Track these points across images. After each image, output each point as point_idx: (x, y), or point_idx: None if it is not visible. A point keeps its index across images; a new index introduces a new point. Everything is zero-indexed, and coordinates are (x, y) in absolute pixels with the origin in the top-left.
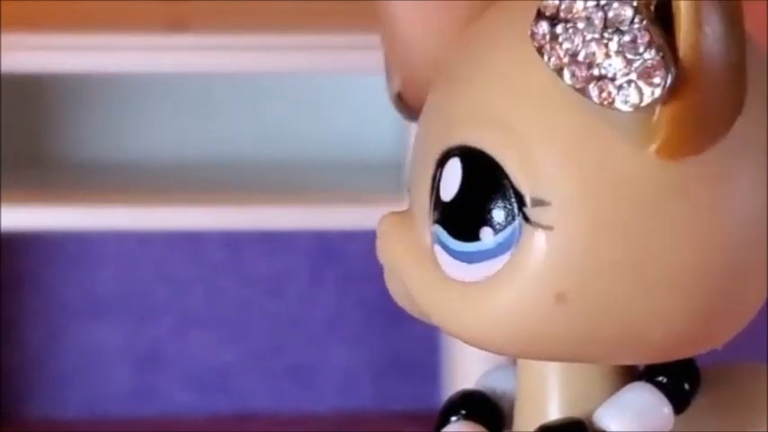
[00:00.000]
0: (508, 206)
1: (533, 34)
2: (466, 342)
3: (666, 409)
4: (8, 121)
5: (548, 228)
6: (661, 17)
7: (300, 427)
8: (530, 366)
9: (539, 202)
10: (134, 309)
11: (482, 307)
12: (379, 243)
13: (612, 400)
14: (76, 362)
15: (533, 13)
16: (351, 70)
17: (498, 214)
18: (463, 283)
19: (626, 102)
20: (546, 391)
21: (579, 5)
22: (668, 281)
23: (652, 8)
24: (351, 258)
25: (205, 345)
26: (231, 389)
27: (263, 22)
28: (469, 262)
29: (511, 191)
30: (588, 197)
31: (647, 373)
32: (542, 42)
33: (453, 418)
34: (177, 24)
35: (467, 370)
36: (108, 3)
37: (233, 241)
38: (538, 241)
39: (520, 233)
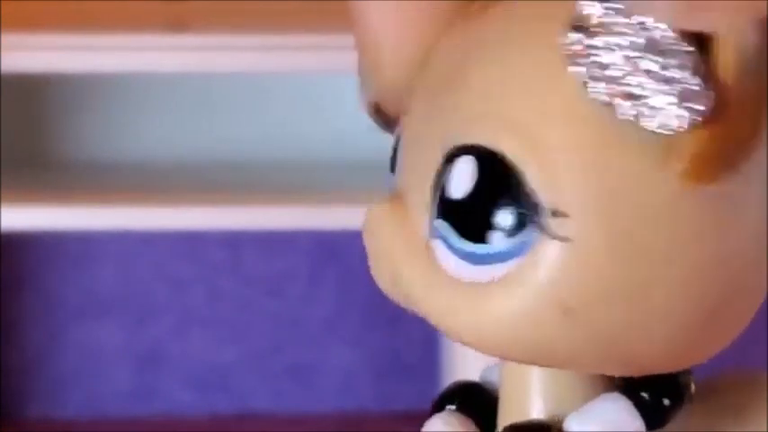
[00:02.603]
0: (523, 213)
1: (566, 43)
2: (458, 340)
3: (638, 422)
4: (8, 121)
5: (565, 239)
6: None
7: (300, 427)
8: (512, 368)
9: (558, 213)
10: (134, 309)
11: (484, 309)
12: (369, 229)
13: (585, 407)
14: (76, 362)
15: (556, 19)
16: (350, 70)
17: (512, 219)
18: (463, 282)
19: (661, 124)
20: (526, 393)
21: (619, 20)
22: (673, 300)
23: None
24: (351, 258)
25: (205, 345)
26: (231, 389)
27: (263, 22)
28: (474, 263)
29: (528, 198)
30: (608, 213)
31: (626, 385)
32: (575, 52)
33: (452, 407)
34: (177, 24)
35: (467, 370)
36: (108, 3)
37: (233, 241)
38: (553, 252)
39: (533, 241)
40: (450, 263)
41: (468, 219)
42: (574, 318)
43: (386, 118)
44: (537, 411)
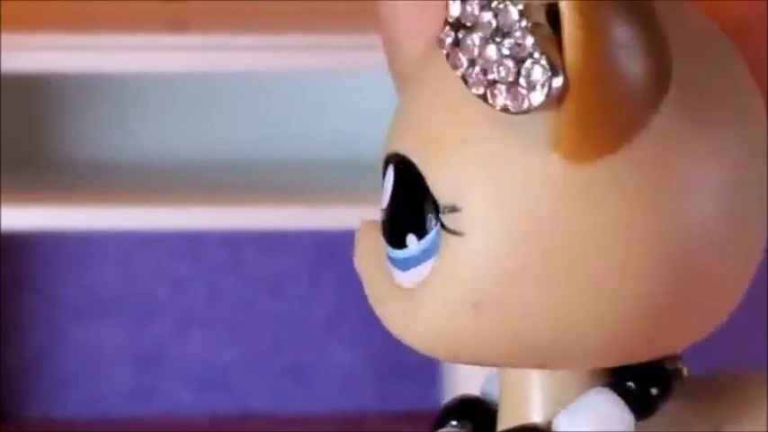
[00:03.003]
0: (429, 213)
1: (440, 42)
2: (407, 344)
3: (626, 414)
4: (8, 121)
5: (459, 234)
6: (554, 22)
7: (300, 427)
8: (510, 373)
9: (451, 209)
10: (134, 309)
11: (413, 312)
12: (355, 251)
13: (572, 405)
14: (76, 362)
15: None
16: (351, 70)
17: (421, 221)
18: (401, 288)
19: (514, 106)
20: (525, 397)
21: (474, 11)
22: (590, 284)
23: (543, 11)
24: (351, 258)
25: (205, 345)
26: (231, 389)
27: (263, 22)
28: (402, 269)
29: (430, 198)
30: (497, 204)
31: (615, 378)
32: (449, 50)
33: (453, 423)
34: (177, 24)
35: (466, 371)
36: (108, 3)
37: (233, 241)
38: (452, 248)
39: (439, 240)
40: (393, 272)
41: (392, 226)
42: (483, 310)
43: None
44: (536, 415)
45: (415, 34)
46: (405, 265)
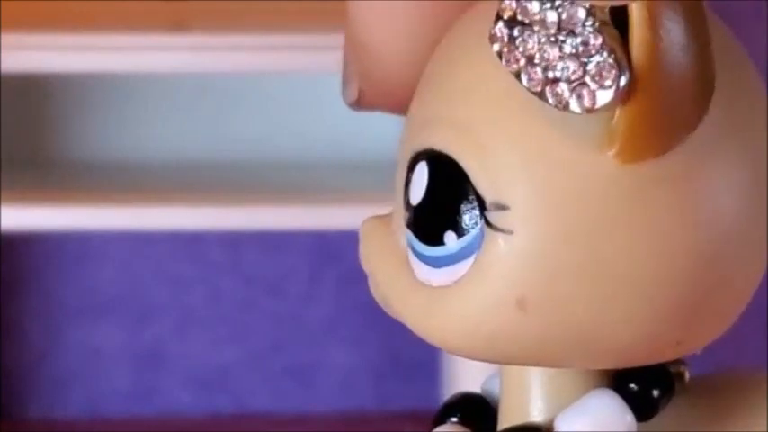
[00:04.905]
0: (471, 210)
1: (492, 37)
2: (434, 344)
3: (627, 416)
4: (8, 121)
5: (507, 232)
6: (618, 20)
7: (300, 427)
8: (511, 371)
9: (498, 206)
10: (134, 309)
11: (446, 311)
12: (360, 248)
13: (573, 405)
14: (76, 362)
15: (491, 15)
16: None
17: (462, 218)
18: (431, 286)
19: (581, 105)
20: (526, 395)
21: (534, 7)
22: (630, 286)
23: (607, 11)
24: (351, 258)
25: (205, 344)
26: (231, 389)
27: (263, 22)
28: (436, 266)
29: (473, 195)
30: (546, 201)
31: (617, 379)
32: (501, 45)
33: (454, 419)
34: (177, 24)
35: (467, 370)
36: (108, 3)
37: (233, 241)
38: (498, 245)
39: (482, 238)
40: (419, 269)
41: (425, 223)
42: (529, 311)
43: (369, 108)
44: (537, 413)
45: (404, 35)
46: (438, 262)
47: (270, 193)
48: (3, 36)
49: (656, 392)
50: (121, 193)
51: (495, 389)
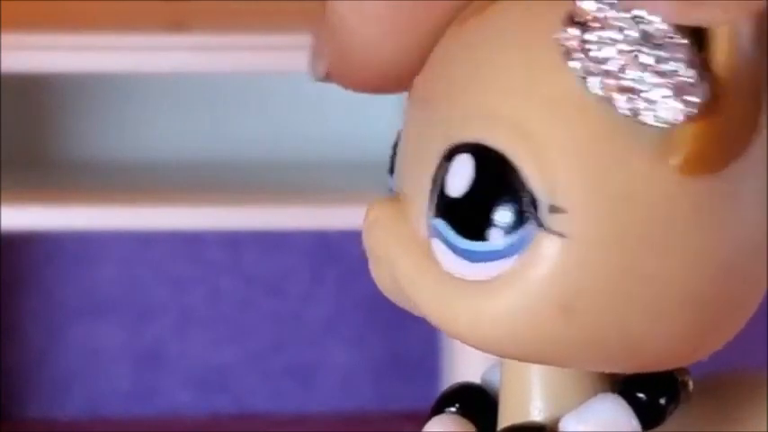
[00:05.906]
0: (522, 209)
1: (562, 39)
2: (456, 338)
3: (634, 422)
4: (8, 121)
5: (563, 235)
6: (692, 35)
7: (300, 427)
8: (512, 366)
9: (554, 209)
10: (134, 309)
11: (482, 307)
12: (368, 230)
13: (580, 408)
14: (76, 362)
15: (552, 17)
16: None
17: (510, 216)
18: (462, 279)
19: (657, 117)
20: (527, 392)
21: (615, 15)
22: (675, 296)
23: (688, 29)
24: (351, 258)
25: (205, 344)
26: (231, 389)
27: (263, 22)
28: (472, 260)
29: (526, 194)
30: (604, 208)
31: (624, 384)
32: (571, 48)
33: (452, 408)
34: (177, 24)
35: (467, 370)
36: (108, 3)
37: (233, 241)
38: (551, 248)
39: (532, 238)
40: (449, 261)
41: (466, 216)
42: (573, 315)
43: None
44: (537, 411)
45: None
46: (475, 256)
47: (270, 193)
48: (3, 36)
49: (662, 401)
50: (121, 193)
51: (495, 380)
